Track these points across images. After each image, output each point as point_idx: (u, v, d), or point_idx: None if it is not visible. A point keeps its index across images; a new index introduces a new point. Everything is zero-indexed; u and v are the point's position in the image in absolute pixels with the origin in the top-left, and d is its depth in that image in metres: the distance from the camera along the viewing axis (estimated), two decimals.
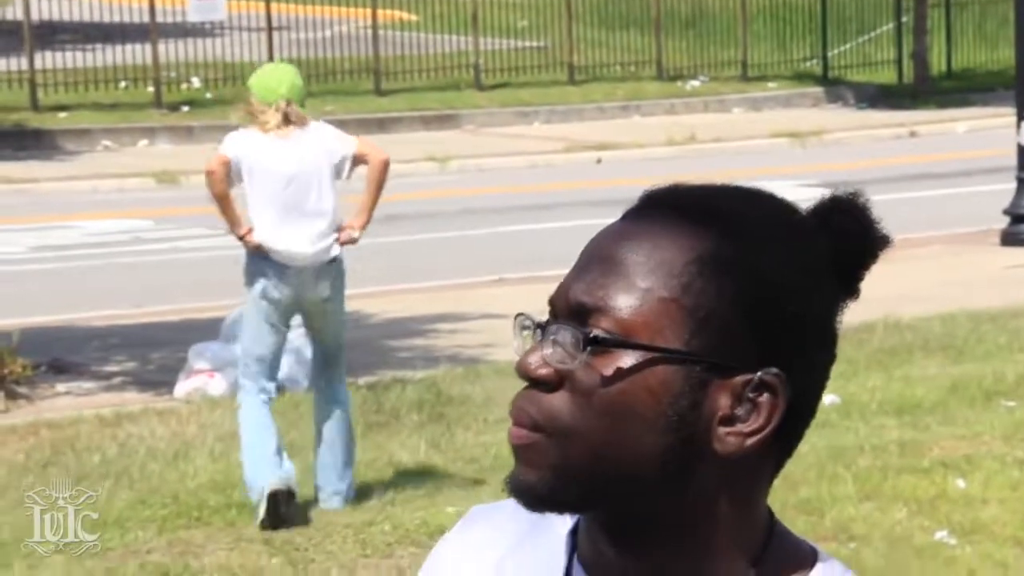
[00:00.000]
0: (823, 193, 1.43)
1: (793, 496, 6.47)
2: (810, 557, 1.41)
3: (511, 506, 1.45)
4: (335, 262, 6.72)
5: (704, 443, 1.34)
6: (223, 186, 6.68)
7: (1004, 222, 12.89)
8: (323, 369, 6.87)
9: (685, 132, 19.98)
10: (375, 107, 21.40)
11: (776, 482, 5.71)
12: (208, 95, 20.55)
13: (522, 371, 1.36)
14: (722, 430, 1.34)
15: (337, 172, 6.72)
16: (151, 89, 20.36)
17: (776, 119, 21.13)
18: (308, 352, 8.55)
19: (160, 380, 8.84)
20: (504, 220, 14.85)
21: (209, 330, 8.94)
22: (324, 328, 6.79)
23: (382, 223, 15.04)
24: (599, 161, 19.70)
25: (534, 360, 1.36)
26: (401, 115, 21.24)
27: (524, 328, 1.39)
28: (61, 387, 8.65)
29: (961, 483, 6.60)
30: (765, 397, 1.34)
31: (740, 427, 1.35)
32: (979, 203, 14.27)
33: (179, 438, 7.37)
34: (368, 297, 11.36)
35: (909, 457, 6.99)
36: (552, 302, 1.39)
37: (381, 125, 20.95)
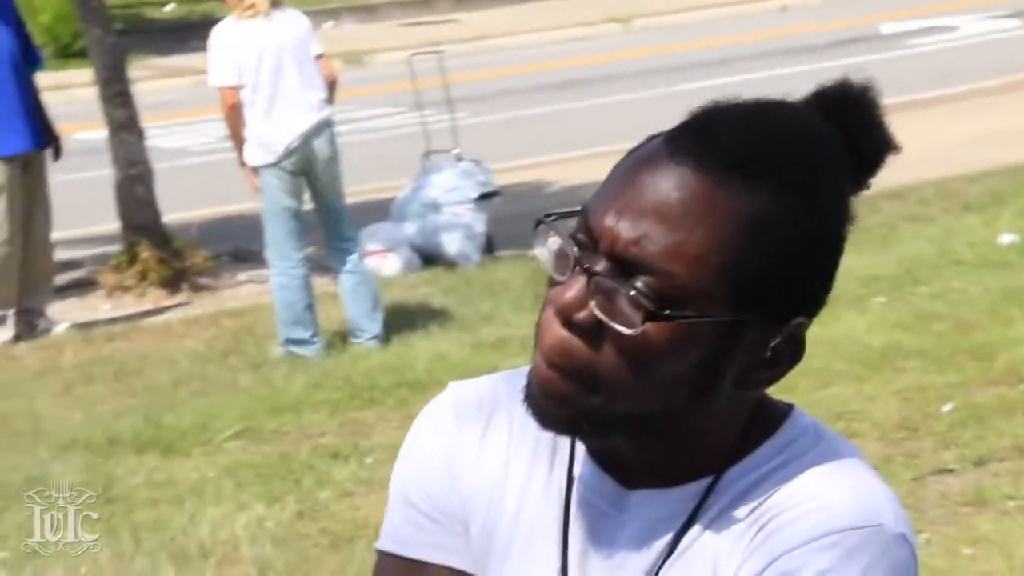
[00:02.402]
0: (836, 86, 1.40)
1: (965, 341, 6.36)
2: (781, 417, 1.44)
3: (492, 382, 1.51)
4: (330, 125, 7.16)
5: (731, 384, 1.38)
6: (241, 114, 7.05)
7: None
8: (334, 228, 7.30)
9: None
10: None
11: (947, 327, 5.65)
12: None
13: (561, 310, 1.35)
14: (750, 376, 1.38)
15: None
16: None
17: None
18: (478, 228, 8.63)
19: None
20: (690, 77, 14.68)
21: (382, 210, 9.06)
22: (330, 188, 7.23)
23: (568, 87, 15.07)
24: (784, 8, 19.34)
25: (573, 300, 1.34)
26: None
27: (559, 248, 1.36)
28: (243, 276, 8.86)
29: None
30: (793, 343, 1.38)
31: (766, 373, 1.38)
32: None
33: None
34: (547, 166, 11.38)
35: None
36: (591, 231, 1.35)
37: None
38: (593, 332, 1.34)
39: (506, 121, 13.28)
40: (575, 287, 1.34)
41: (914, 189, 9.15)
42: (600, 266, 1.34)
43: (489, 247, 8.74)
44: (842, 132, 1.38)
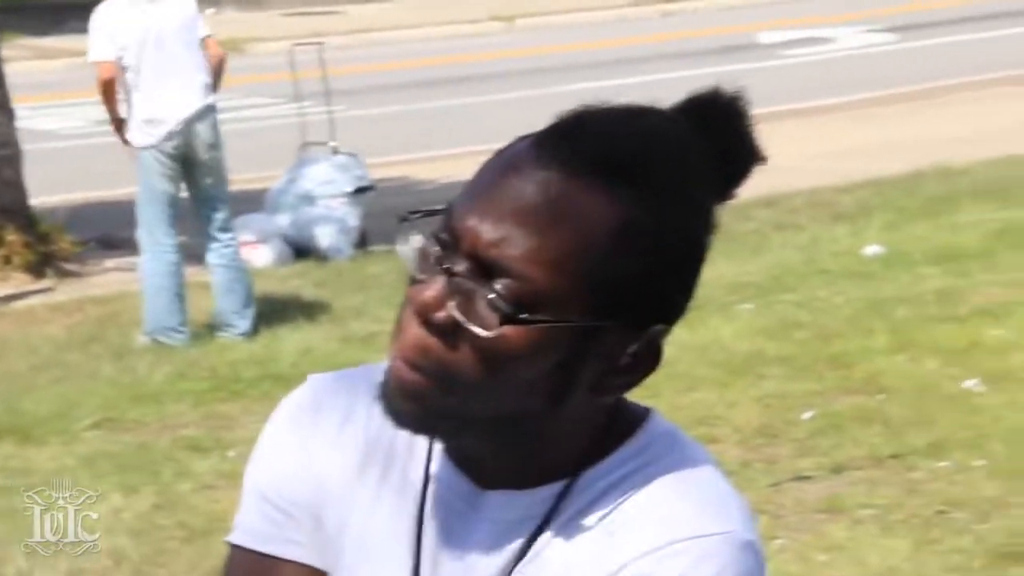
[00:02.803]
0: (706, 95, 1.40)
1: (826, 350, 6.45)
2: (637, 421, 1.43)
3: (351, 377, 1.50)
4: (214, 110, 7.11)
5: (588, 388, 1.37)
6: (116, 90, 7.00)
7: None
8: (213, 217, 7.22)
9: None
10: None
11: (810, 336, 5.72)
12: None
13: (419, 310, 1.34)
14: (606, 382, 1.37)
15: None
16: None
17: None
18: (352, 222, 8.60)
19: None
20: (571, 78, 14.74)
21: (256, 201, 8.99)
22: (211, 175, 7.17)
23: (449, 84, 15.07)
24: (667, 14, 19.48)
25: (432, 300, 1.33)
26: None
27: (421, 246, 1.35)
28: (110, 263, 8.75)
29: (997, 330, 6.54)
30: (650, 350, 1.37)
31: (623, 378, 1.38)
32: None
33: None
34: (425, 162, 11.37)
35: (947, 306, 6.93)
36: (454, 231, 1.34)
37: None
38: (450, 332, 1.33)
39: (385, 116, 13.25)
40: (434, 287, 1.33)
41: (786, 197, 9.26)
42: (460, 267, 1.33)
43: (362, 241, 8.72)
44: (710, 141, 1.37)
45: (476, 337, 1.33)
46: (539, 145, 1.35)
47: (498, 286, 1.32)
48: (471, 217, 1.33)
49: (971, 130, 11.03)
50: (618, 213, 1.33)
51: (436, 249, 1.34)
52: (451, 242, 1.34)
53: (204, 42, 7.13)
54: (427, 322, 1.34)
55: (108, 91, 7.01)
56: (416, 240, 1.36)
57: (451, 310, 1.33)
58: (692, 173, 1.36)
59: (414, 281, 1.36)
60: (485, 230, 1.32)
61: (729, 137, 1.39)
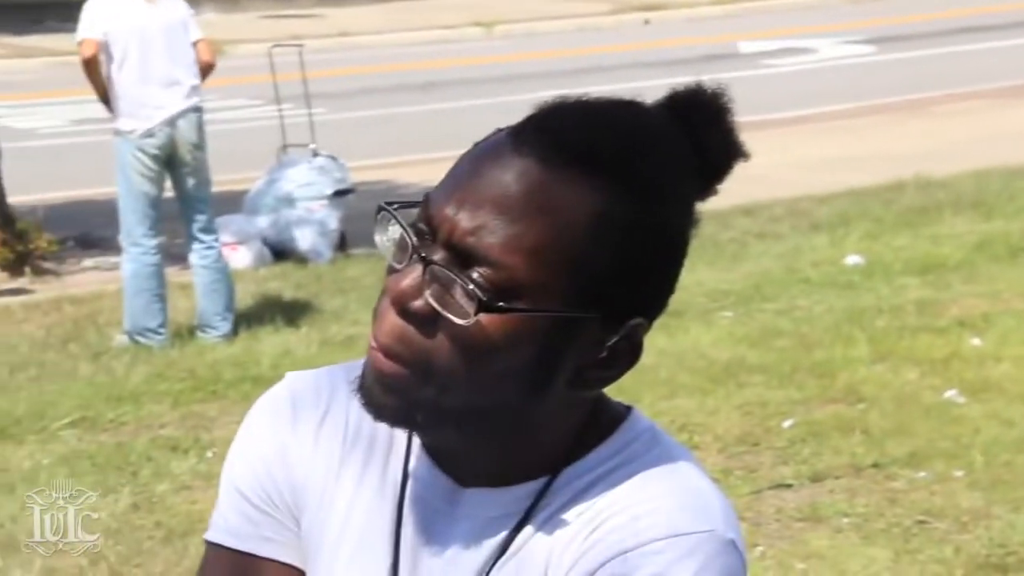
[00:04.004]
0: (687, 91, 1.38)
1: (807, 358, 6.45)
2: (618, 418, 1.43)
3: (331, 373, 1.48)
4: (199, 111, 7.12)
5: (566, 382, 1.36)
6: (102, 70, 6.95)
7: None
8: (196, 219, 7.19)
9: None
10: None
11: (790, 344, 5.73)
12: None
13: (396, 299, 1.33)
14: (586, 375, 1.36)
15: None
16: None
17: None
18: (331, 224, 8.58)
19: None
20: (550, 85, 14.75)
21: (236, 202, 8.97)
22: (195, 176, 7.16)
23: (427, 89, 15.05)
24: (647, 22, 19.51)
25: (409, 289, 1.33)
26: None
27: (399, 236, 1.34)
28: (88, 262, 8.72)
29: (976, 341, 6.55)
30: (630, 344, 1.36)
31: (602, 372, 1.37)
32: None
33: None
34: (404, 166, 11.36)
35: (927, 317, 6.95)
36: (431, 220, 1.34)
37: None
38: (428, 321, 1.33)
39: (365, 119, 13.23)
40: (411, 275, 1.33)
41: (765, 206, 9.26)
42: (438, 255, 1.33)
43: (342, 244, 8.69)
44: (692, 136, 1.37)
45: (453, 326, 1.32)
46: (517, 135, 1.34)
47: (475, 274, 1.31)
48: (448, 206, 1.33)
49: (949, 142, 11.06)
50: (596, 204, 1.32)
51: (414, 239, 1.34)
52: (428, 231, 1.34)
53: (196, 45, 7.12)
54: (404, 311, 1.33)
55: (91, 68, 6.97)
56: (394, 230, 1.36)
57: (428, 298, 1.32)
58: (671, 167, 1.36)
59: (391, 271, 1.35)
60: (462, 218, 1.32)
61: (710, 132, 1.38)
